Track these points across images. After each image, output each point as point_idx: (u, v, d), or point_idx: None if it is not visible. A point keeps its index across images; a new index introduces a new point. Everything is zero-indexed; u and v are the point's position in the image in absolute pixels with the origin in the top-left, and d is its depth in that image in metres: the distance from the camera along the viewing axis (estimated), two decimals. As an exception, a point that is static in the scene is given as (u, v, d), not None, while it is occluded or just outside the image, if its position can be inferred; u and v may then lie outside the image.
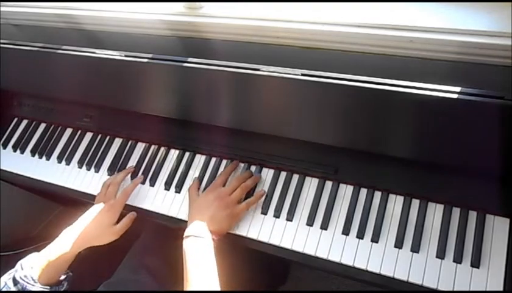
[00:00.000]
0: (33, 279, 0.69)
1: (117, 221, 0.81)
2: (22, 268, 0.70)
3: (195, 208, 0.76)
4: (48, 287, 0.70)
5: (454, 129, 0.65)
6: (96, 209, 0.80)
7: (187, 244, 0.69)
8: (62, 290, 0.73)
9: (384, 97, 0.67)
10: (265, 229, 0.76)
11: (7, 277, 0.70)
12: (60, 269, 0.74)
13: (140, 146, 0.93)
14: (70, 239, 0.75)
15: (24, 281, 0.68)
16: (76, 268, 0.78)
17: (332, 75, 0.70)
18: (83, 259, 0.78)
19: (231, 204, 0.75)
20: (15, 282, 0.68)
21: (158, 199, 0.85)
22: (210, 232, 0.71)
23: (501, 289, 0.62)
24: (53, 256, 0.72)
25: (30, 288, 0.68)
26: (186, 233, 0.71)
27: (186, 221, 0.81)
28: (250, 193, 0.79)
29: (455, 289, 0.64)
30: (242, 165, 0.84)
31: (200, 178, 0.84)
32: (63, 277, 0.74)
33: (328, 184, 0.77)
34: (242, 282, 0.85)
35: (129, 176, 0.89)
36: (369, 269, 0.68)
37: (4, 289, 0.68)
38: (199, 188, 0.82)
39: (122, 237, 0.83)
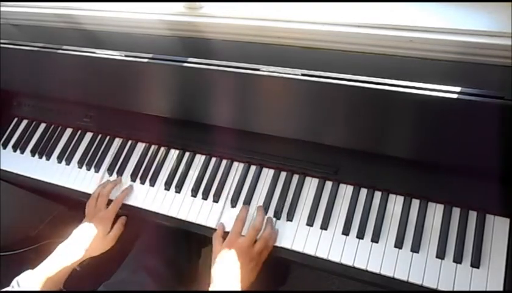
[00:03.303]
0: None
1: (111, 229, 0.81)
2: (18, 285, 0.69)
3: (220, 263, 0.70)
4: None
5: (454, 129, 0.65)
6: (88, 222, 0.81)
7: None
8: None
9: (384, 97, 0.67)
10: (265, 229, 0.76)
11: None
12: (57, 285, 0.74)
13: (140, 146, 0.93)
14: (66, 255, 0.75)
15: None
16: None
17: (332, 75, 0.70)
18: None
19: (255, 256, 0.71)
20: None
21: (158, 199, 0.85)
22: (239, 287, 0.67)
23: (501, 289, 0.62)
24: (50, 272, 0.72)
25: None
26: (212, 288, 0.67)
27: (187, 222, 0.81)
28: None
29: (455, 289, 0.64)
30: (242, 165, 0.84)
31: (200, 178, 0.84)
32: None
33: (328, 184, 0.77)
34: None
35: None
36: (369, 269, 0.68)
37: None
38: (223, 236, 0.76)
39: (121, 237, 0.83)
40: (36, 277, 0.71)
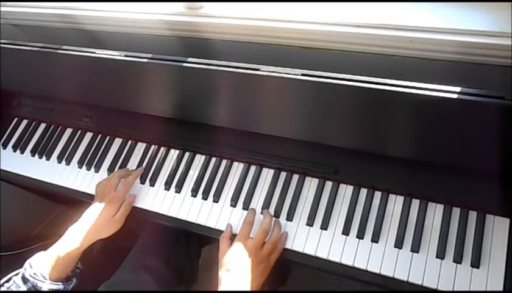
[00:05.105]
0: (43, 276, 0.69)
1: None
2: (31, 266, 0.70)
3: (228, 266, 0.68)
4: (60, 283, 0.71)
5: (454, 129, 0.65)
6: (97, 204, 0.81)
7: None
8: (71, 286, 0.74)
9: (384, 97, 0.67)
10: (265, 229, 0.76)
11: (14, 276, 0.70)
12: (69, 265, 0.75)
13: (140, 146, 0.93)
14: (76, 236, 0.76)
15: (35, 278, 0.69)
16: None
17: (332, 75, 0.70)
18: (83, 260, 0.79)
19: (265, 258, 0.70)
20: (25, 280, 0.69)
21: (158, 199, 0.85)
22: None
23: (501, 289, 0.62)
24: (61, 253, 0.73)
25: (40, 285, 0.69)
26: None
27: (187, 222, 0.81)
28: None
29: (455, 289, 0.64)
30: (242, 165, 0.84)
31: (200, 178, 0.84)
32: (71, 273, 0.75)
33: (328, 184, 0.77)
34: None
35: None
36: (369, 269, 0.68)
37: (13, 288, 0.69)
38: (231, 238, 0.75)
39: (121, 237, 0.83)
40: (48, 258, 0.72)
